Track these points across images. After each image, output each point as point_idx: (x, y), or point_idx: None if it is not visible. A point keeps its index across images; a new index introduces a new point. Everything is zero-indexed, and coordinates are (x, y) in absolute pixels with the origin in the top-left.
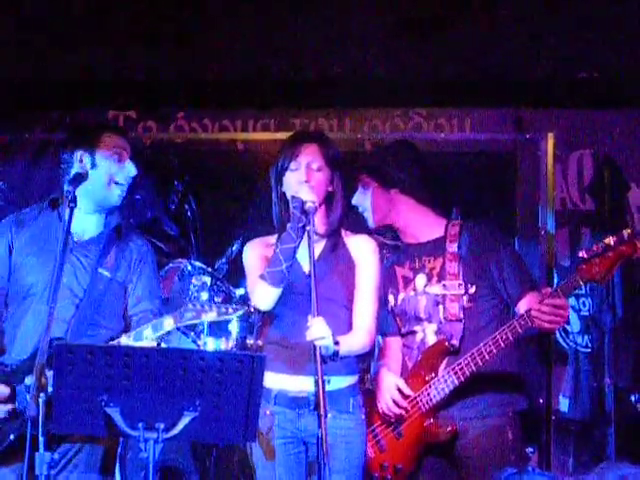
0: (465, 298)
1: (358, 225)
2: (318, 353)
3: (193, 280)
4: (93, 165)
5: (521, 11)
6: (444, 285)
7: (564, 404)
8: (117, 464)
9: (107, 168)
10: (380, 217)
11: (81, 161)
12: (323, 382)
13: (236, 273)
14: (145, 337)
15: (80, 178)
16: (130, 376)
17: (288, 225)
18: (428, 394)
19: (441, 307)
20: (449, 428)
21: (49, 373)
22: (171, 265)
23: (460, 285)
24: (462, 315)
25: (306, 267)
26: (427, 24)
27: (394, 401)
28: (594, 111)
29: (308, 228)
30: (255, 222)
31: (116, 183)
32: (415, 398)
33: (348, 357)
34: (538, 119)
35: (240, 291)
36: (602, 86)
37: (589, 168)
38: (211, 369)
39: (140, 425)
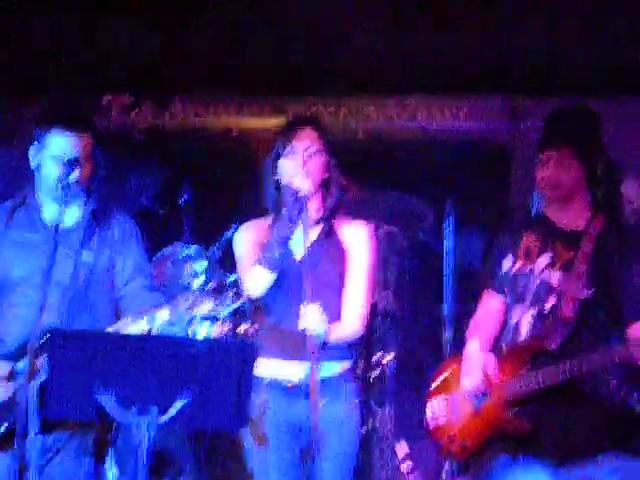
0: (580, 302)
1: (355, 211)
2: (310, 341)
3: (186, 266)
4: (39, 164)
5: (515, 2)
6: (565, 283)
7: None
8: (111, 449)
9: (49, 170)
10: (567, 194)
11: (34, 156)
12: (316, 370)
13: (230, 259)
14: (141, 329)
15: (75, 163)
16: (122, 362)
17: (283, 211)
18: (517, 385)
19: (551, 298)
20: (528, 425)
21: (41, 359)
22: (164, 251)
23: (581, 288)
24: (573, 319)
25: (298, 254)
26: (422, 12)
27: (479, 379)
28: (589, 101)
29: (302, 216)
30: (246, 209)
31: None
32: (503, 383)
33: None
34: (533, 108)
35: (233, 277)
36: (597, 75)
37: None
38: (202, 356)
39: (133, 410)
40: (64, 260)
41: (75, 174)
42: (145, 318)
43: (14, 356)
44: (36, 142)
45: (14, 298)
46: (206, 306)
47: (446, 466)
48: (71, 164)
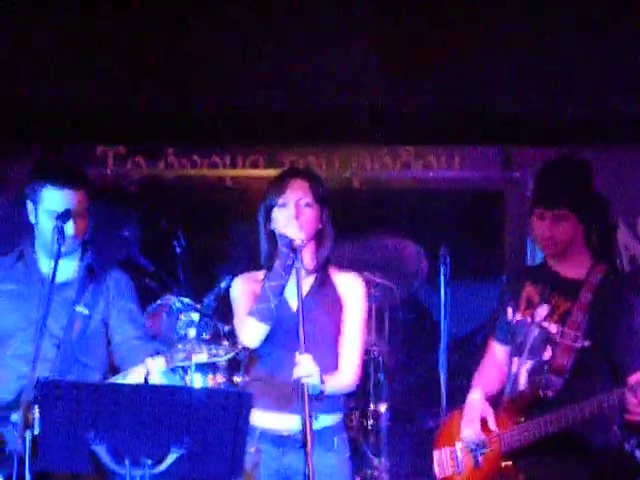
0: (576, 351)
1: (344, 262)
2: (305, 391)
3: (181, 317)
4: (35, 220)
5: (510, 49)
6: (562, 332)
7: None
8: None
9: (45, 225)
10: (564, 248)
11: (31, 212)
12: (310, 420)
13: (224, 310)
14: (139, 379)
15: (68, 214)
16: (117, 413)
17: (276, 262)
18: (512, 436)
19: (549, 348)
20: (521, 476)
21: (36, 411)
22: (159, 302)
23: (577, 338)
24: (568, 369)
25: (293, 304)
26: (415, 61)
27: (474, 433)
28: (583, 150)
29: (297, 265)
30: (240, 260)
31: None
32: (499, 435)
33: (334, 395)
34: (526, 157)
35: (228, 327)
36: (589, 125)
37: None
38: (198, 406)
39: (127, 462)
40: (59, 313)
41: (70, 228)
42: (141, 367)
43: (8, 407)
44: (30, 197)
45: (8, 350)
46: (202, 355)
47: None
48: (65, 218)
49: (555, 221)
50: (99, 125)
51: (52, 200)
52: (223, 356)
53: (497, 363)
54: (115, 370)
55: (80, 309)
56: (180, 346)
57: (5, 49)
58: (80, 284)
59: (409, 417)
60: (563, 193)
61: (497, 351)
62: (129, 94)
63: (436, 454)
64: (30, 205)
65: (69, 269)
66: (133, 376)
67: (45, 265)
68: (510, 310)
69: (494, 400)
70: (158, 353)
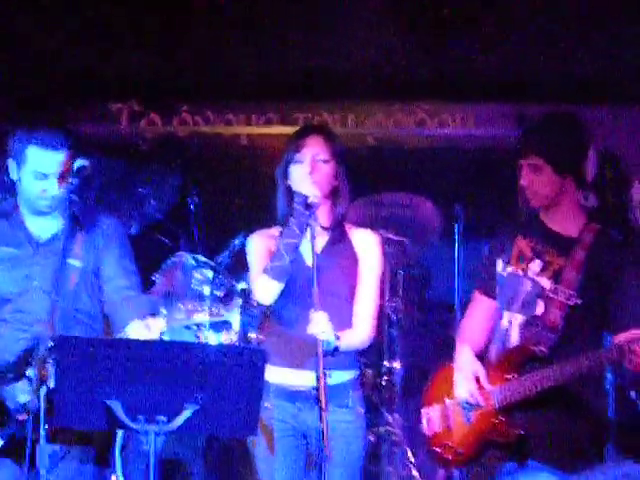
0: (569, 308)
1: (358, 219)
2: (319, 348)
3: (195, 274)
4: (18, 177)
5: (523, 10)
6: (555, 289)
7: None
8: (118, 455)
9: (29, 184)
10: (548, 201)
11: (12, 170)
12: (324, 377)
13: (238, 267)
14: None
15: (84, 170)
16: (132, 369)
17: (291, 220)
18: (503, 392)
19: (541, 303)
20: (516, 431)
21: (50, 366)
22: (173, 259)
23: (571, 296)
24: (561, 326)
25: (308, 260)
26: (431, 21)
27: (470, 391)
28: (596, 108)
29: (311, 223)
30: (254, 216)
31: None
32: (491, 391)
33: (348, 352)
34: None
35: (242, 285)
36: (604, 83)
37: (592, 165)
38: (213, 362)
39: (141, 418)
40: (48, 269)
41: (54, 187)
42: (143, 326)
43: (8, 370)
44: (13, 155)
45: (4, 313)
46: (201, 316)
47: (440, 474)
48: (50, 178)
49: (531, 171)
50: (113, 82)
51: (35, 160)
52: (224, 315)
53: (484, 318)
54: (108, 323)
55: (72, 261)
56: (180, 305)
57: (26, 13)
58: (67, 236)
59: (423, 374)
60: (534, 142)
61: (484, 304)
62: (142, 51)
63: (424, 411)
64: (12, 163)
65: (56, 225)
66: (133, 335)
67: (31, 223)
68: (500, 262)
69: (480, 355)
70: (153, 314)
